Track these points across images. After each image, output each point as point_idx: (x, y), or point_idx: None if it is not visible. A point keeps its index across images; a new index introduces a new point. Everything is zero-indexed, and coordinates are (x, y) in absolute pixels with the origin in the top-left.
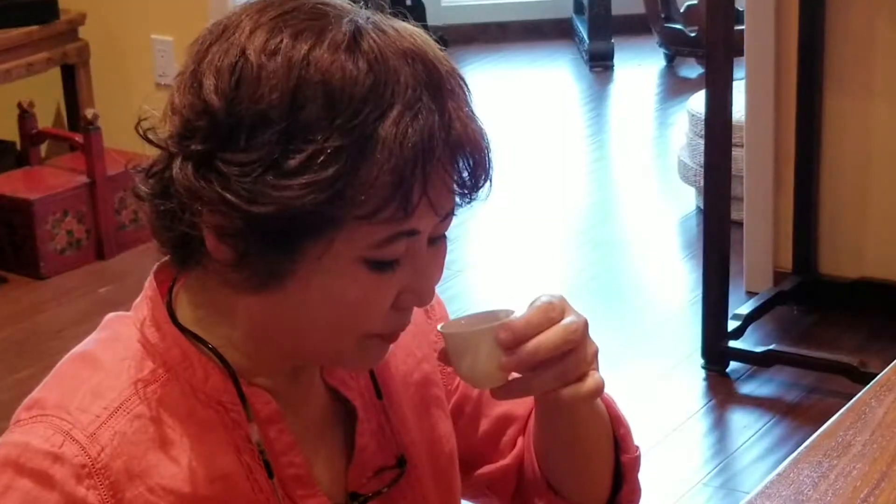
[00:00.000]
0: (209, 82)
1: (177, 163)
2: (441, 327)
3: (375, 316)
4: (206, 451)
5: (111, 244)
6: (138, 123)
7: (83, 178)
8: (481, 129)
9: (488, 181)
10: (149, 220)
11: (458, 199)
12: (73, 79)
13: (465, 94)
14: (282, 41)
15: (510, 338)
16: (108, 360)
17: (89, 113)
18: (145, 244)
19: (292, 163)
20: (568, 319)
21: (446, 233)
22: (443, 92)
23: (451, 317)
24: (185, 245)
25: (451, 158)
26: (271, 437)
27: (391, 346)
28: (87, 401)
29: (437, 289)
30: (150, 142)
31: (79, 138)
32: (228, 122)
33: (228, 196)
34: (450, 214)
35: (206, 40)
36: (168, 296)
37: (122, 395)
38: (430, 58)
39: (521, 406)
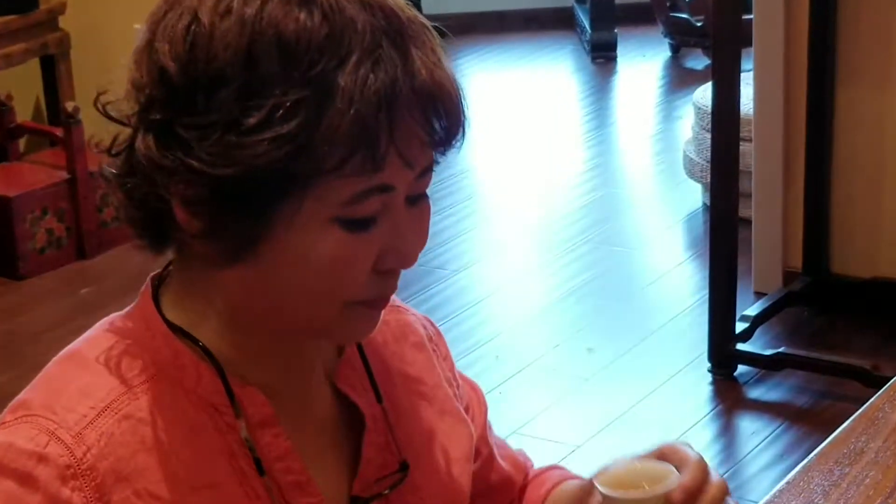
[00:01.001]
0: (163, 48)
1: (138, 136)
2: (602, 487)
3: (355, 280)
4: (196, 456)
5: (93, 243)
6: (97, 99)
7: (63, 174)
8: (450, 76)
9: (461, 131)
10: (119, 204)
11: (434, 154)
12: (53, 71)
13: (430, 41)
14: (233, 1)
15: (682, 500)
16: (96, 359)
17: (70, 106)
18: (128, 243)
19: (252, 120)
20: (718, 477)
21: (427, 192)
22: (404, 38)
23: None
24: (157, 225)
25: (419, 107)
26: (266, 441)
27: (380, 316)
28: (74, 400)
29: (435, 289)
30: (110, 118)
31: (59, 132)
32: (185, 87)
33: (191, 162)
34: (427, 171)
35: (160, 10)
36: (155, 292)
37: (111, 394)
38: (390, 5)
39: (519, 475)
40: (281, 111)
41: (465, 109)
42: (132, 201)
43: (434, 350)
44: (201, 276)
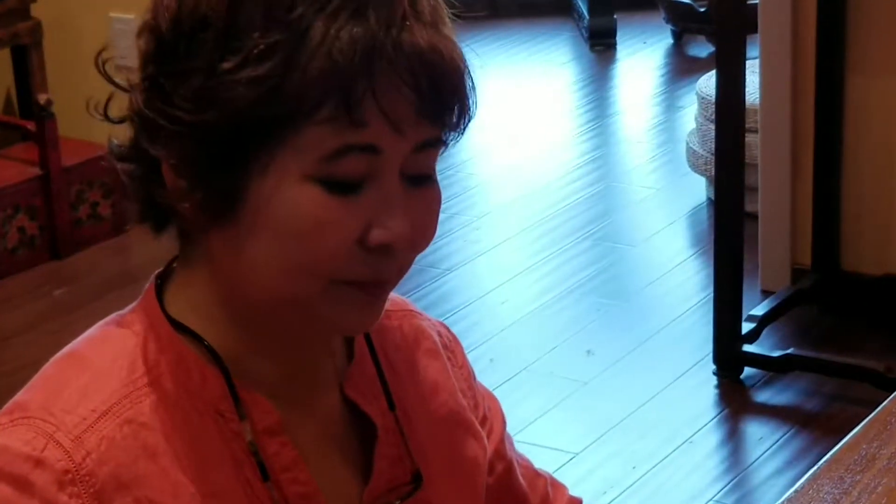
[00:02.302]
0: (160, 8)
1: (131, 97)
2: None
3: (336, 251)
4: (200, 464)
5: (67, 242)
6: (98, 56)
7: (36, 170)
8: (449, 45)
9: (462, 106)
10: (125, 187)
11: (431, 124)
12: (24, 61)
13: (434, 7)
14: None
15: None
16: (97, 360)
17: (42, 98)
18: (104, 242)
19: (228, 64)
20: None
21: (437, 179)
22: None
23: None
24: (160, 208)
25: (405, 67)
26: (273, 450)
27: (379, 305)
28: (74, 402)
29: (426, 289)
30: (110, 81)
31: (31, 126)
32: (171, 38)
33: (171, 111)
34: (427, 146)
35: None
36: (159, 290)
37: (112, 397)
38: None
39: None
40: (256, 52)
41: (467, 83)
42: (133, 175)
43: (449, 358)
44: (201, 264)
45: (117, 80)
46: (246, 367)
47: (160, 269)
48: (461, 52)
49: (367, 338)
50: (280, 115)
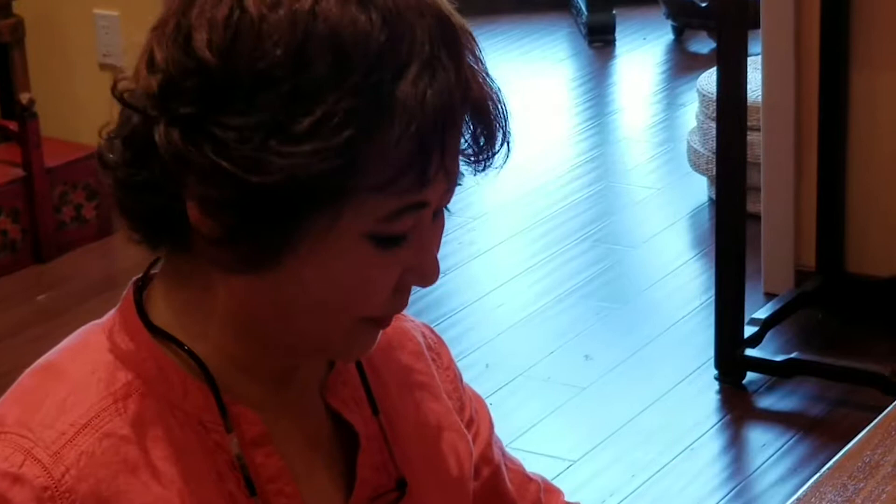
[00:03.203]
0: (201, 36)
1: (160, 127)
2: None
3: (377, 298)
4: (183, 478)
5: (50, 245)
6: (115, 85)
7: (18, 172)
8: (497, 87)
9: (506, 145)
10: (115, 193)
11: (472, 167)
12: (5, 60)
13: (478, 49)
14: None
15: None
16: (75, 371)
17: (24, 98)
18: (89, 245)
19: (300, 127)
20: None
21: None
22: (459, 49)
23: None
24: (159, 220)
25: (467, 121)
26: (258, 461)
27: (380, 334)
28: (52, 416)
29: (420, 293)
30: (128, 105)
31: (13, 126)
32: (225, 82)
33: (224, 164)
34: (457, 184)
35: None
36: (138, 295)
37: (91, 410)
38: (445, 12)
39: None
40: (333, 121)
41: (509, 123)
42: (134, 193)
43: (434, 359)
44: (197, 276)
45: (99, 86)
46: (231, 380)
47: (138, 276)
48: (499, 88)
49: None
50: (348, 185)
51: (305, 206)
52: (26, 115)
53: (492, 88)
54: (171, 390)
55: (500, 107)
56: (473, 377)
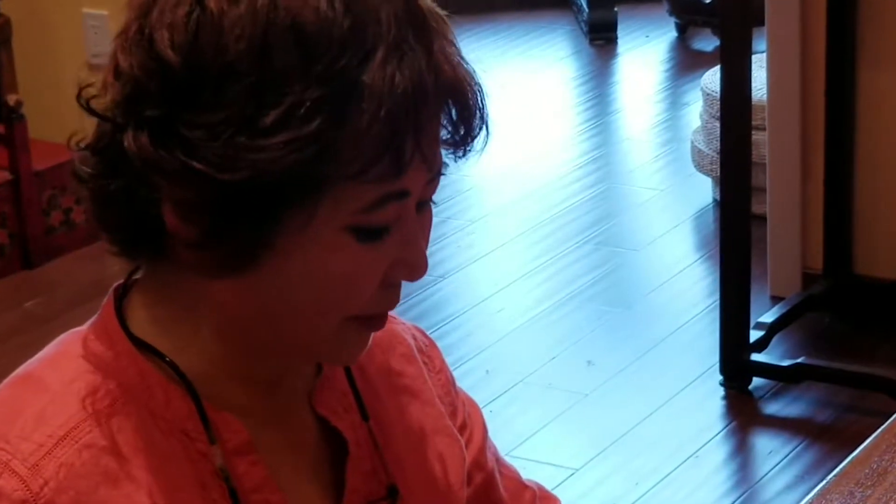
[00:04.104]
0: (163, 37)
1: (128, 134)
2: None
3: (363, 295)
4: (166, 489)
5: (39, 251)
6: (80, 94)
7: (5, 175)
8: (472, 70)
9: (484, 128)
10: (91, 205)
11: (451, 153)
12: None
13: (450, 32)
14: None
15: None
16: (53, 381)
17: (12, 99)
18: (78, 250)
19: (268, 119)
20: None
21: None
22: (428, 31)
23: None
24: (137, 229)
25: (441, 105)
26: (242, 470)
27: (371, 337)
28: (30, 427)
29: (418, 297)
30: (94, 113)
31: (0, 128)
32: (189, 81)
33: (195, 164)
34: (440, 173)
35: None
36: (119, 303)
37: (71, 421)
38: None
39: None
40: (301, 110)
41: (487, 106)
42: (110, 204)
43: (426, 363)
44: (180, 286)
45: (91, 80)
46: (216, 388)
47: (119, 283)
48: (474, 70)
49: None
50: (322, 176)
51: (280, 201)
52: (14, 116)
53: (466, 71)
54: (153, 399)
55: (475, 89)
56: (473, 384)
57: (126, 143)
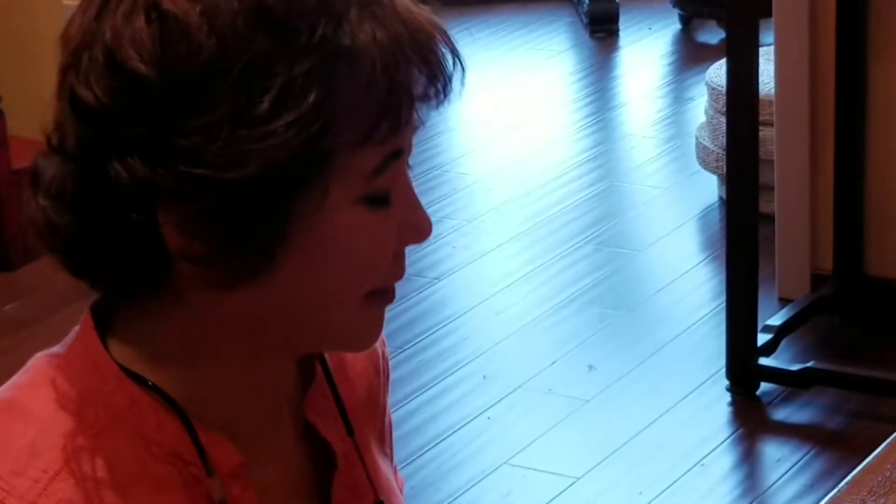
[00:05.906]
0: (128, 54)
1: (114, 164)
2: None
3: (384, 264)
4: None
5: (18, 252)
6: (48, 139)
7: None
8: (438, 20)
9: (464, 75)
10: (68, 261)
11: (433, 101)
12: None
13: None
14: None
15: None
16: (39, 410)
17: None
18: None
19: (264, 105)
20: None
21: None
22: None
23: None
24: (131, 266)
25: (421, 57)
26: (234, 494)
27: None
28: (23, 462)
29: (413, 299)
30: (68, 155)
31: None
32: (169, 90)
33: (198, 171)
34: (420, 125)
35: (88, 9)
36: (97, 322)
37: (63, 453)
38: None
39: None
40: (294, 88)
41: (460, 53)
42: (93, 252)
43: (385, 372)
44: (162, 304)
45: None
46: (206, 410)
47: (95, 301)
48: (437, 18)
49: (322, 359)
50: (329, 150)
51: (290, 189)
52: None
53: (430, 18)
54: (145, 424)
55: (445, 33)
56: (470, 389)
57: (113, 175)
